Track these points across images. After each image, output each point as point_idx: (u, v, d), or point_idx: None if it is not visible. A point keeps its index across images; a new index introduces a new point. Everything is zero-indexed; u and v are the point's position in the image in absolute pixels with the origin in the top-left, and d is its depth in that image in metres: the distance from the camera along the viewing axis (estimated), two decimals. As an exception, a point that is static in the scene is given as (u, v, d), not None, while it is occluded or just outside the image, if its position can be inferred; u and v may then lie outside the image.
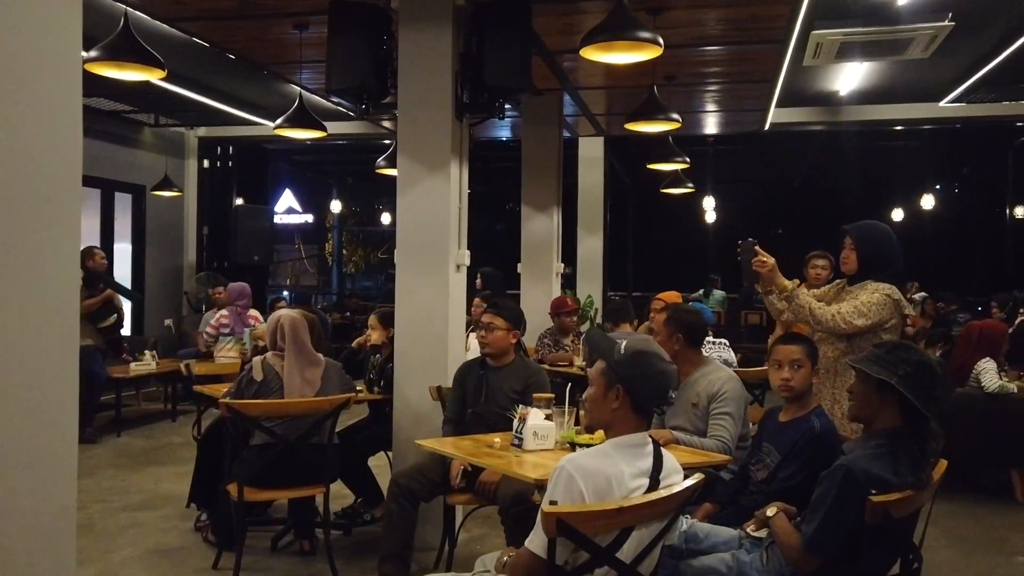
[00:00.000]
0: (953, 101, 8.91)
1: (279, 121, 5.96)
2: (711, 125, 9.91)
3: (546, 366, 6.19)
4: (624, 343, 2.27)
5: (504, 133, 11.01)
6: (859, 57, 7.54)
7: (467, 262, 4.67)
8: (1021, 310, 8.46)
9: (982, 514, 5.31)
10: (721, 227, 14.67)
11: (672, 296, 6.93)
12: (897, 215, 13.75)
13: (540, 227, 7.65)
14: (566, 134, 10.05)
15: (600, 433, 3.28)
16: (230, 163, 11.79)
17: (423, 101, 4.51)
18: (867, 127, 10.43)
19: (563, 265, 7.96)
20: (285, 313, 4.21)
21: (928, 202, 12.95)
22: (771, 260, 3.45)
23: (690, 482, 2.26)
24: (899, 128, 11.04)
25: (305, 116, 5.96)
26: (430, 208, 4.49)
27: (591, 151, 10.72)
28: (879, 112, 9.70)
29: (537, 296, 7.58)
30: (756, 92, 7.50)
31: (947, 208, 13.89)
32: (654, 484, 2.20)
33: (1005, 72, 7.68)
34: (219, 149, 11.74)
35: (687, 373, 3.69)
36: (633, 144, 11.02)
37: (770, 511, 2.53)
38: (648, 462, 2.22)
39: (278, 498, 4.35)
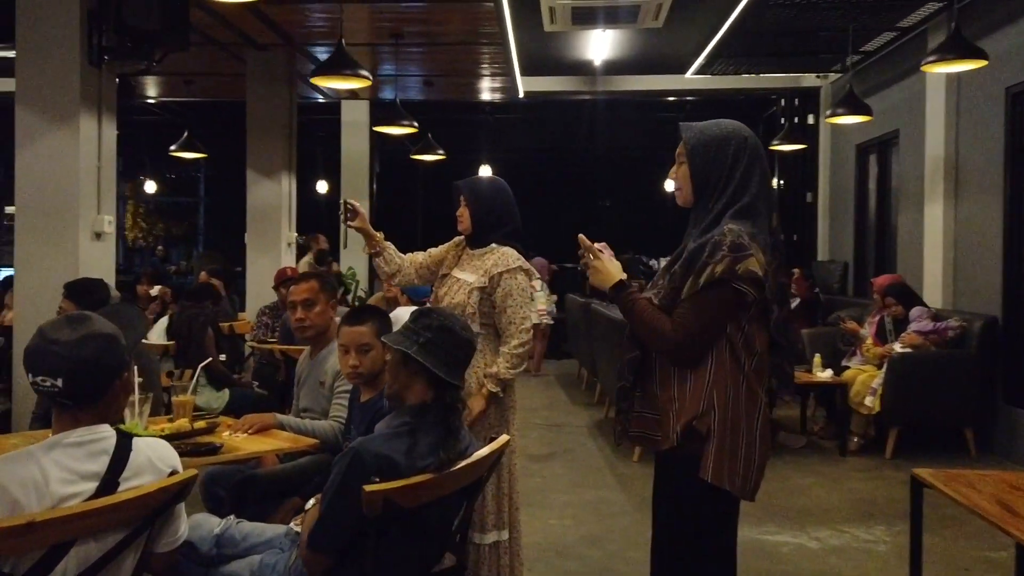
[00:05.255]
0: (697, 73, 9.14)
1: None
2: (472, 92, 9.67)
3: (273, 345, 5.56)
4: None
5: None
6: (598, 24, 7.52)
7: (109, 230, 4.14)
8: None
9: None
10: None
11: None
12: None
13: (267, 193, 7.12)
14: (321, 97, 9.52)
15: (182, 422, 2.93)
16: None
17: (46, 42, 3.92)
18: (620, 97, 10.55)
19: (296, 234, 7.48)
20: None
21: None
22: (377, 236, 3.26)
23: (167, 483, 1.91)
24: (671, 99, 11.31)
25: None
26: (54, 167, 3.93)
27: (354, 115, 10.27)
28: (632, 83, 9.85)
29: (264, 266, 7.07)
30: (492, 55, 7.30)
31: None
32: (109, 488, 1.84)
33: (734, 43, 7.90)
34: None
35: (319, 350, 3.38)
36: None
37: (311, 501, 2.25)
38: (103, 462, 1.85)
39: None
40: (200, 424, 2.91)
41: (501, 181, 3.34)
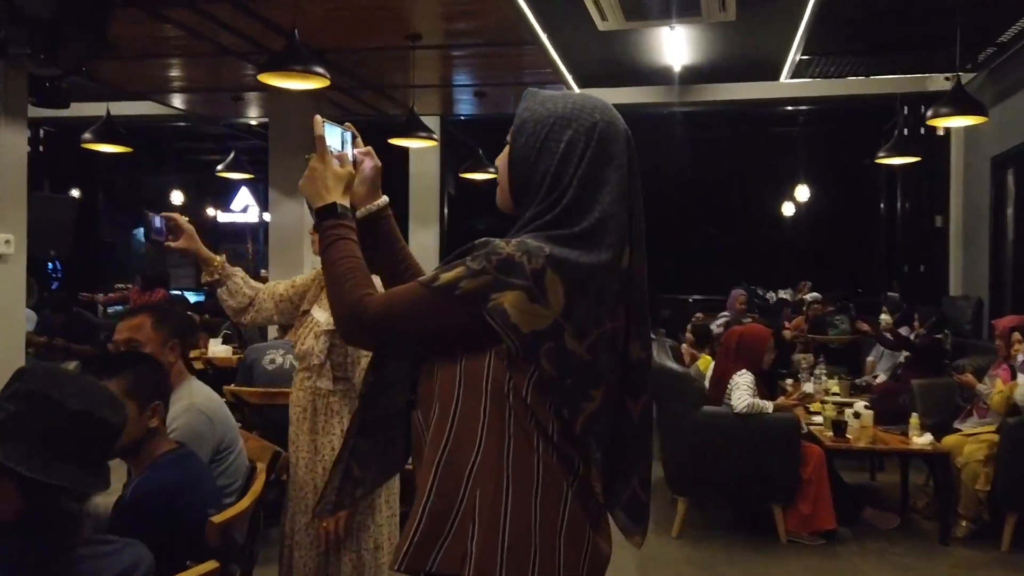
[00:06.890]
0: (793, 77, 7.93)
1: None
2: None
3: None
4: None
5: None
6: (654, 17, 6.55)
7: (7, 250, 3.63)
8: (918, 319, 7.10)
9: (718, 561, 4.32)
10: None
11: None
12: (788, 209, 12.78)
13: (288, 215, 6.60)
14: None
15: None
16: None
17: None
18: (709, 108, 9.37)
19: (323, 259, 6.93)
20: None
21: (807, 193, 11.98)
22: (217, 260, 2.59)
23: None
24: (788, 109, 10.09)
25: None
26: (-67, 177, 3.46)
27: (421, 132, 9.68)
28: (721, 92, 8.69)
29: (285, 294, 6.54)
30: (529, 58, 6.48)
31: (831, 201, 12.78)
32: None
33: (827, 37, 6.70)
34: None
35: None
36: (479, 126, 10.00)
37: None
38: None
39: None
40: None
41: None
